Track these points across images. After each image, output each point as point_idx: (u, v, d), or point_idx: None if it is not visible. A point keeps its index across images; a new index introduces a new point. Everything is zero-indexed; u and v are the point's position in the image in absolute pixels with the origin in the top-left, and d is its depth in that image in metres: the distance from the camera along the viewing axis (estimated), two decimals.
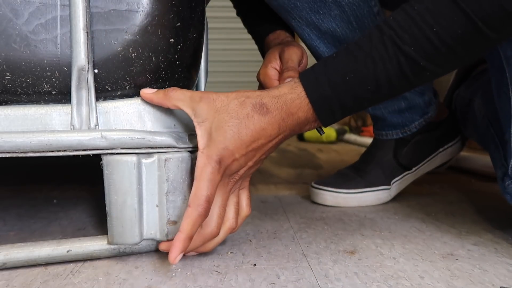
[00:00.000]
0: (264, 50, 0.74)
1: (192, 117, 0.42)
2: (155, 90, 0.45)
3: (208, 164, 0.40)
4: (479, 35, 0.39)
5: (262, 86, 0.58)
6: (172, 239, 0.46)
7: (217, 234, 0.44)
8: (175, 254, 0.39)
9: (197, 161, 0.41)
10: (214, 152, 0.40)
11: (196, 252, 0.46)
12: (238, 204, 0.46)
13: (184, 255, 0.43)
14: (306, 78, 0.44)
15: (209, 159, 0.40)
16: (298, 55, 0.60)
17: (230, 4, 0.81)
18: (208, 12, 0.59)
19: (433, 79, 0.43)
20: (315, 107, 0.43)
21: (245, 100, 0.42)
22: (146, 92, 0.45)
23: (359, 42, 0.43)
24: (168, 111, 0.47)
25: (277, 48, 0.65)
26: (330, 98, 0.43)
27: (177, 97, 0.43)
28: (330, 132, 1.79)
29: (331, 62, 0.44)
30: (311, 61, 0.62)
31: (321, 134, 0.62)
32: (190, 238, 0.40)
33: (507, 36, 0.40)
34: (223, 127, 0.41)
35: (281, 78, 0.55)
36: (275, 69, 0.58)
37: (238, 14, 0.81)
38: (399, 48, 0.40)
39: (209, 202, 0.40)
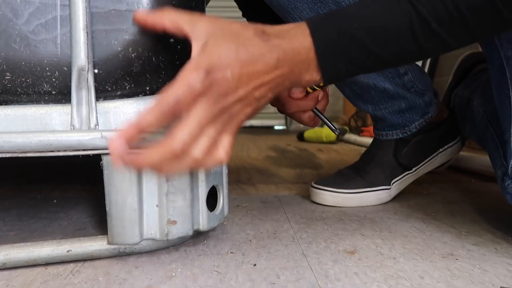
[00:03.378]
0: None
1: (190, 34, 0.39)
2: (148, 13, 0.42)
3: (194, 70, 0.36)
4: (494, 10, 0.38)
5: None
6: (172, 239, 0.46)
7: (179, 154, 0.37)
8: (116, 137, 0.36)
9: (183, 67, 0.36)
10: (205, 60, 0.36)
11: (158, 170, 0.39)
12: (215, 142, 0.39)
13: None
14: (312, 20, 0.41)
15: (197, 65, 0.36)
16: None
17: (230, 4, 0.82)
18: (208, 12, 0.59)
19: (443, 50, 0.42)
20: (317, 47, 0.39)
21: (248, 25, 0.40)
22: (141, 13, 0.42)
23: None
24: None
25: None
26: (335, 42, 0.40)
27: (175, 14, 0.40)
28: (330, 132, 1.79)
29: (341, 10, 0.41)
30: None
31: (336, 134, 0.61)
32: (139, 129, 0.36)
33: None
34: (221, 41, 0.37)
35: None
36: None
37: (243, 16, 0.82)
38: (413, 5, 0.39)
39: (177, 105, 0.36)
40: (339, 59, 0.40)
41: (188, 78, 0.36)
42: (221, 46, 0.37)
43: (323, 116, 0.58)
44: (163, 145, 0.37)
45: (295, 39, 0.39)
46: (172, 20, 0.40)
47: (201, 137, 0.38)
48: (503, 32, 0.47)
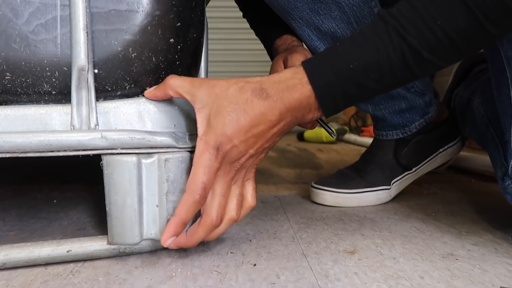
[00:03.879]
0: (272, 54, 0.75)
1: (192, 103, 0.43)
2: (155, 86, 0.46)
3: (206, 151, 0.40)
4: (480, 29, 0.39)
5: None
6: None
7: (218, 224, 0.43)
8: (166, 236, 0.42)
9: (196, 148, 0.41)
10: (212, 138, 0.40)
11: (195, 243, 0.45)
12: (241, 195, 0.45)
13: (187, 249, 0.43)
14: (309, 64, 0.43)
15: (207, 145, 0.40)
16: (301, 61, 0.61)
17: (230, 4, 0.82)
18: (208, 12, 0.59)
19: (435, 71, 0.44)
20: (317, 93, 0.42)
21: (245, 85, 0.42)
22: (149, 91, 0.46)
23: (363, 31, 0.42)
24: (168, 111, 0.47)
25: (281, 56, 0.65)
26: (333, 85, 0.42)
27: (177, 83, 0.43)
28: None
29: (335, 50, 0.43)
30: None
31: (332, 136, 0.62)
32: (184, 223, 0.42)
33: (506, 32, 0.41)
34: (221, 112, 0.40)
35: None
36: None
37: (244, 16, 0.82)
38: (403, 39, 0.40)
39: (206, 189, 0.40)
40: (337, 98, 0.43)
41: (203, 161, 0.40)
42: (223, 118, 0.40)
43: (320, 119, 0.58)
44: (203, 223, 0.42)
45: (294, 90, 0.42)
46: (175, 91, 0.44)
47: (230, 200, 0.44)
48: (490, 43, 0.49)
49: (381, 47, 0.41)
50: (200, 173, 0.40)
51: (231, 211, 0.44)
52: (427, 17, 0.40)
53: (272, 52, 0.75)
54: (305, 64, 0.43)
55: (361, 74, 0.42)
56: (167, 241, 0.42)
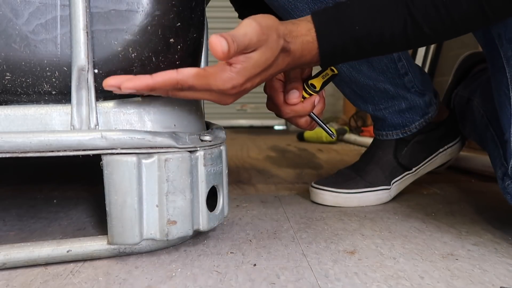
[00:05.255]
0: None
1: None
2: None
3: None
4: (481, 13, 0.42)
5: (270, 99, 0.58)
6: (172, 239, 0.46)
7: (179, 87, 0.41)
8: (115, 81, 0.40)
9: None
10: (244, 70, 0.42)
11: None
12: None
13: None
14: (320, 23, 0.45)
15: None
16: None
17: (230, 4, 0.82)
18: (208, 12, 0.59)
19: (428, 44, 0.48)
20: (321, 51, 0.45)
21: (278, 40, 0.43)
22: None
23: None
24: (168, 111, 0.47)
25: None
26: (337, 45, 0.45)
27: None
28: None
29: (344, 10, 0.45)
30: None
31: (332, 137, 0.62)
32: (150, 88, 0.40)
33: (502, 18, 0.44)
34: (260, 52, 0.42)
35: (285, 90, 0.56)
36: (280, 80, 0.58)
37: (240, 17, 0.82)
38: (409, 11, 0.43)
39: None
40: (337, 55, 0.46)
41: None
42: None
43: (320, 120, 0.58)
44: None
45: (306, 48, 0.45)
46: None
47: None
48: (482, 28, 0.53)
49: (386, 15, 0.44)
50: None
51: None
52: None
53: None
54: (316, 22, 0.45)
55: (363, 37, 0.45)
56: (109, 82, 0.40)
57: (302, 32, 0.45)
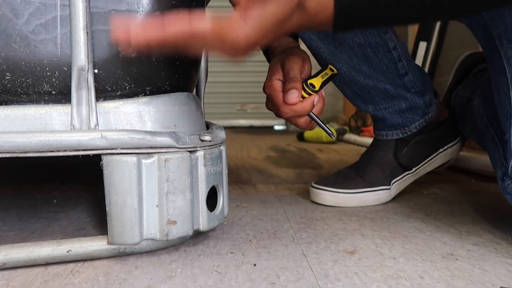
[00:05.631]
0: (269, 55, 0.75)
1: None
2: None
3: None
4: None
5: (269, 99, 0.58)
6: (172, 239, 0.46)
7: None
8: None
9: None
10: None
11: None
12: None
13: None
14: None
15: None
16: (299, 64, 0.61)
17: (230, 4, 0.82)
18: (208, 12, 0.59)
19: (444, 16, 0.45)
20: (337, 8, 0.43)
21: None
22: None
23: None
24: (168, 111, 0.47)
25: (279, 58, 0.65)
26: (353, 6, 0.43)
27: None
28: None
29: None
30: (312, 61, 0.62)
31: (332, 137, 0.62)
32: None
33: None
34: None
35: (284, 89, 0.55)
36: (280, 80, 0.58)
37: None
38: None
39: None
40: (351, 20, 0.44)
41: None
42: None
43: (319, 120, 0.58)
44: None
45: (321, 6, 0.43)
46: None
47: None
48: (500, 7, 0.49)
49: None
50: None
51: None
52: None
53: (268, 53, 0.75)
54: None
55: (381, 1, 0.42)
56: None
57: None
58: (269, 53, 0.75)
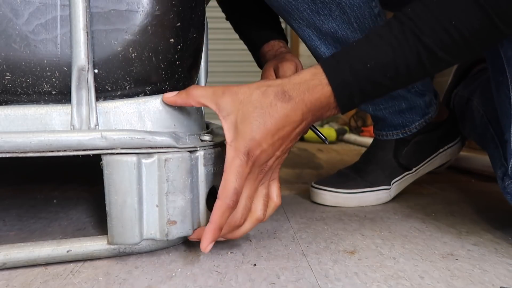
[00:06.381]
0: (259, 59, 0.75)
1: (217, 112, 0.43)
2: (176, 92, 0.46)
3: (236, 157, 0.41)
4: (494, 29, 0.40)
5: None
6: (172, 239, 0.46)
7: (241, 224, 0.45)
8: (206, 243, 0.41)
9: (226, 154, 0.41)
10: (242, 144, 0.41)
11: (224, 238, 0.47)
12: (267, 195, 0.47)
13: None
14: (328, 64, 0.44)
15: (237, 151, 0.41)
16: (292, 70, 0.61)
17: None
18: (208, 12, 0.59)
19: (447, 68, 0.45)
20: (336, 92, 0.44)
21: (267, 89, 0.42)
22: (168, 96, 0.46)
23: (379, 31, 0.44)
24: (168, 111, 0.47)
25: (272, 63, 0.66)
26: (351, 84, 0.43)
27: (200, 94, 0.44)
28: (330, 132, 1.79)
29: (352, 49, 0.44)
30: (312, 61, 0.62)
31: (325, 143, 0.62)
32: (220, 228, 0.42)
33: None
34: (248, 118, 0.41)
35: None
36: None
37: (228, 19, 0.82)
38: (419, 39, 0.41)
39: (237, 195, 0.41)
40: (354, 96, 0.44)
41: (235, 167, 0.41)
42: (250, 125, 0.41)
43: (313, 125, 0.59)
44: (228, 223, 0.43)
45: (315, 91, 0.43)
46: (197, 101, 0.44)
47: (257, 200, 0.45)
48: (501, 41, 0.50)
49: (397, 47, 0.42)
50: (232, 179, 0.40)
51: (258, 211, 0.45)
52: (442, 17, 0.41)
53: (260, 57, 0.75)
54: (324, 65, 0.44)
55: (377, 73, 0.43)
56: (208, 247, 0.42)
57: (306, 78, 0.44)
58: (260, 57, 0.75)
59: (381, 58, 0.43)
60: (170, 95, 0.46)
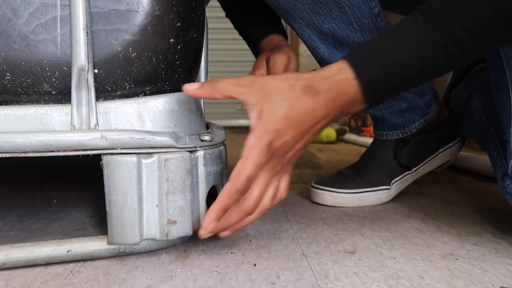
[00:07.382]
0: (258, 54, 0.76)
1: (245, 101, 0.43)
2: (199, 84, 0.44)
3: (257, 145, 0.40)
4: None
5: None
6: (172, 239, 0.46)
7: (253, 211, 0.44)
8: (207, 222, 0.42)
9: (247, 140, 0.41)
10: (265, 134, 0.41)
11: (231, 231, 0.46)
12: (278, 187, 0.46)
13: (218, 235, 0.44)
14: (354, 58, 0.44)
15: (259, 140, 0.40)
16: (282, 61, 0.61)
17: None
18: (208, 12, 0.59)
19: (475, 59, 0.45)
20: (364, 87, 0.43)
21: (295, 83, 0.42)
22: (191, 88, 0.44)
23: (404, 24, 0.43)
24: (168, 111, 0.47)
25: (265, 54, 0.66)
26: (379, 78, 0.43)
27: (226, 86, 0.43)
28: (330, 132, 1.79)
29: (377, 44, 0.44)
30: (312, 61, 0.63)
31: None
32: (224, 210, 0.42)
33: None
34: (274, 109, 0.41)
35: None
36: (262, 75, 0.59)
37: (227, 16, 0.82)
38: (445, 30, 0.41)
39: (249, 182, 0.41)
40: (382, 91, 0.44)
41: (253, 156, 0.40)
42: (276, 115, 0.41)
43: None
44: (240, 208, 0.42)
45: (342, 86, 0.43)
46: (223, 94, 0.43)
47: (268, 190, 0.44)
48: None
49: (423, 39, 0.42)
50: (248, 166, 0.40)
51: (266, 201, 0.45)
52: (466, 6, 0.40)
53: (258, 52, 0.75)
54: (350, 60, 0.44)
55: (405, 67, 0.43)
56: (208, 227, 0.42)
57: (333, 72, 0.43)
58: (258, 52, 0.75)
59: (408, 51, 0.42)
60: (193, 87, 0.44)
